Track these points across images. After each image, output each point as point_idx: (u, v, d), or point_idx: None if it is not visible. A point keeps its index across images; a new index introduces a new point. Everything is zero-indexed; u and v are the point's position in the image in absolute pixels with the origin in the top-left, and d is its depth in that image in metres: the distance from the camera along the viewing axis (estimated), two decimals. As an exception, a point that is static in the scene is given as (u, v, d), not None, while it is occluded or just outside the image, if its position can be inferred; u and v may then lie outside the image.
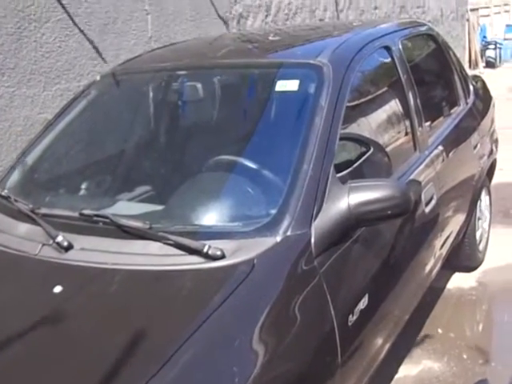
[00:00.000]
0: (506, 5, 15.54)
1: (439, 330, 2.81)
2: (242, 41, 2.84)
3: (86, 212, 1.72)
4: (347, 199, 1.64)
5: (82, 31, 3.21)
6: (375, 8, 7.29)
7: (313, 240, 1.57)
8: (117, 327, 1.38)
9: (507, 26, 14.75)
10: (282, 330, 1.41)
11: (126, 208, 1.90)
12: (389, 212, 1.65)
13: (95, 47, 3.28)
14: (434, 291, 3.06)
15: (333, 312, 1.54)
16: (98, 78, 2.46)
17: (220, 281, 1.46)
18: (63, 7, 3.05)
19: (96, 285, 1.54)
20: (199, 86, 2.26)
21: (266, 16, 4.94)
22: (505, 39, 13.35)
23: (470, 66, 12.01)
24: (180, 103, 2.40)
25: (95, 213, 1.71)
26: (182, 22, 3.96)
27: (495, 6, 14.44)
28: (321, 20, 5.87)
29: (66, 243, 1.63)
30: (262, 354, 1.33)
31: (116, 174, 2.23)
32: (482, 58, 12.59)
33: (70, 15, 2.99)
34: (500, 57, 12.65)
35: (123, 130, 2.37)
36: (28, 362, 1.30)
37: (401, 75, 2.38)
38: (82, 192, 2.15)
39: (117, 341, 1.33)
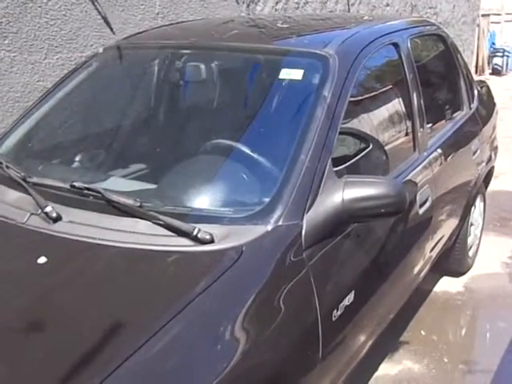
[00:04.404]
0: (517, 13, 15.45)
1: (422, 332, 2.82)
2: (250, 25, 2.80)
3: (77, 184, 1.69)
4: (342, 194, 1.62)
5: (89, 1, 3.15)
6: (387, 5, 7.22)
7: (303, 232, 1.55)
8: (99, 303, 1.36)
9: (517, 34, 14.68)
10: (265, 320, 1.40)
11: (118, 184, 1.88)
12: (382, 210, 1.64)
13: (101, 19, 3.24)
14: (421, 293, 3.06)
15: (317, 305, 1.53)
16: (100, 50, 2.43)
17: (207, 265, 1.44)
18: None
19: (82, 259, 1.52)
20: (202, 66, 2.23)
21: (277, 3, 4.88)
22: (513, 48, 13.29)
23: (476, 72, 11.97)
24: (182, 83, 2.37)
25: (86, 186, 1.68)
26: (190, 0, 3.90)
27: (507, 13, 14.36)
28: (331, 12, 5.82)
29: (54, 214, 1.61)
30: (243, 341, 1.32)
31: (111, 149, 2.20)
32: (488, 64, 12.54)
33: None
34: (507, 65, 12.59)
35: (122, 105, 2.34)
36: (7, 334, 1.29)
37: (407, 74, 2.35)
38: (76, 164, 2.13)
39: (99, 316, 1.32)
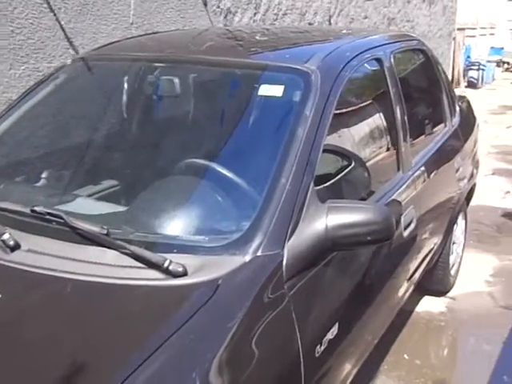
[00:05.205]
0: (492, 28, 15.71)
1: (405, 356, 2.72)
2: (228, 37, 2.69)
3: (38, 209, 1.55)
4: (325, 220, 1.51)
5: (58, 9, 3.01)
6: (365, 17, 7.21)
7: (285, 262, 1.43)
8: (62, 346, 1.22)
9: (492, 48, 14.91)
10: (244, 360, 1.27)
11: (85, 206, 1.75)
12: (369, 238, 1.53)
13: (71, 28, 3.10)
14: (403, 314, 2.96)
15: (300, 343, 1.41)
16: (69, 61, 2.29)
17: (179, 301, 1.31)
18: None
19: (41, 294, 1.37)
20: (177, 81, 2.10)
21: (255, 14, 4.80)
22: (488, 61, 13.46)
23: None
24: (154, 97, 2.24)
25: (48, 211, 1.54)
26: (166, 10, 3.79)
27: (481, 27, 14.57)
28: (310, 24, 5.76)
29: (12, 242, 1.47)
30: (219, 385, 1.19)
31: (78, 167, 2.06)
32: (464, 77, 12.67)
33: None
34: (482, 78, 12.74)
35: (90, 120, 2.20)
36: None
37: (390, 90, 2.26)
38: (40, 183, 1.99)
39: (62, 361, 1.18)
